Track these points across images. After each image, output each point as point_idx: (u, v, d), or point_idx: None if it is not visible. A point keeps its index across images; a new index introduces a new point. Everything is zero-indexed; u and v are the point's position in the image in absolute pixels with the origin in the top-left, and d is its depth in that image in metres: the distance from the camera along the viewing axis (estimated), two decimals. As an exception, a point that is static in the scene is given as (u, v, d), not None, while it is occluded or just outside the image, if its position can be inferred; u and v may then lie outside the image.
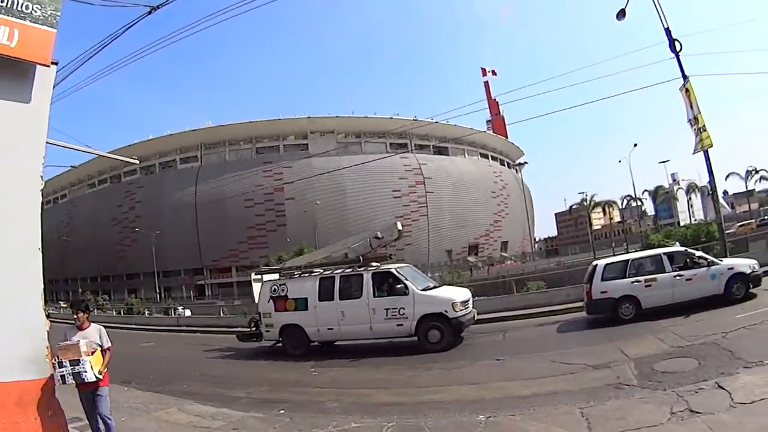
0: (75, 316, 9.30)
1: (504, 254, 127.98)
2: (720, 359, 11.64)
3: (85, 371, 8.56)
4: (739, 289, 18.41)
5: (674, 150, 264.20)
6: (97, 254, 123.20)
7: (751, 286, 18.62)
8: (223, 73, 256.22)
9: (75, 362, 8.54)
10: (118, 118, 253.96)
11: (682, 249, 21.35)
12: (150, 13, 16.81)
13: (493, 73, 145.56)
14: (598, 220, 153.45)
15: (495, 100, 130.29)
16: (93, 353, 8.88)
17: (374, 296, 20.30)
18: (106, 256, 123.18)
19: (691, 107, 25.36)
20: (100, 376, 8.91)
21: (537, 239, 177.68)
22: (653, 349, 13.99)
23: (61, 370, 8.44)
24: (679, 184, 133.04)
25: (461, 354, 18.11)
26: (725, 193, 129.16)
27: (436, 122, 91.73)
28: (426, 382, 14.40)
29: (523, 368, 14.41)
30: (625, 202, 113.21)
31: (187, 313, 54.47)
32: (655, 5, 25.31)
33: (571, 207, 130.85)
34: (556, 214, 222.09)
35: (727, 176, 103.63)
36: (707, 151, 25.09)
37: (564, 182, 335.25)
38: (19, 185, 8.72)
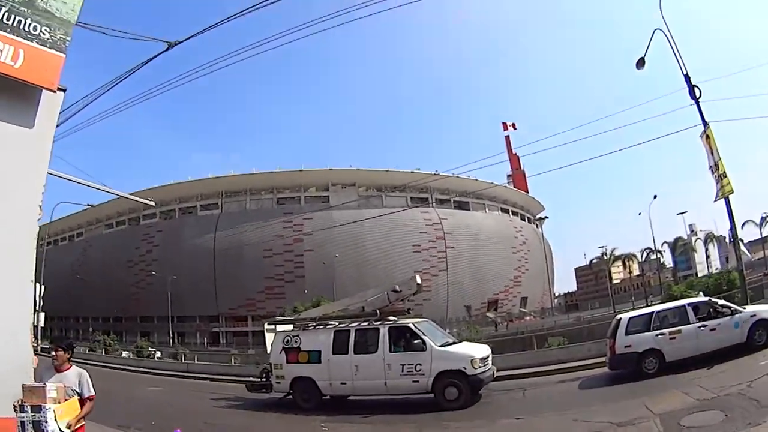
0: (53, 354, 8.16)
1: (523, 310, 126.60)
2: (746, 410, 11.33)
3: (46, 421, 7.24)
4: (761, 335, 18.10)
5: (690, 201, 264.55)
6: (110, 295, 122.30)
7: (774, 333, 18.19)
8: (246, 122, 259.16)
9: (36, 408, 7.27)
10: (141, 162, 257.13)
11: (706, 299, 20.77)
12: (168, 49, 16.51)
13: (514, 127, 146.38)
14: (617, 273, 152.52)
15: (516, 154, 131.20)
16: (66, 401, 7.55)
17: (390, 351, 19.62)
18: (119, 297, 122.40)
19: (712, 154, 24.91)
20: (67, 430, 7.50)
21: (557, 294, 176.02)
22: (679, 403, 13.44)
23: (22, 415, 7.26)
24: (696, 235, 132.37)
25: (479, 413, 17.33)
26: (741, 241, 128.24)
27: (457, 176, 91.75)
28: None
29: (545, 428, 13.78)
30: (645, 254, 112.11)
31: (158, 354, 54.85)
32: (674, 53, 25.14)
33: (591, 261, 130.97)
34: (575, 269, 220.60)
35: (744, 224, 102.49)
36: (728, 198, 24.56)
37: (583, 237, 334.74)
38: (16, 214, 8.26)
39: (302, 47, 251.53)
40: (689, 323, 18.61)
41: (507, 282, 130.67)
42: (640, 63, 25.88)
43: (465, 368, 18.33)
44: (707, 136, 25.04)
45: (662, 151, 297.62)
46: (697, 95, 24.97)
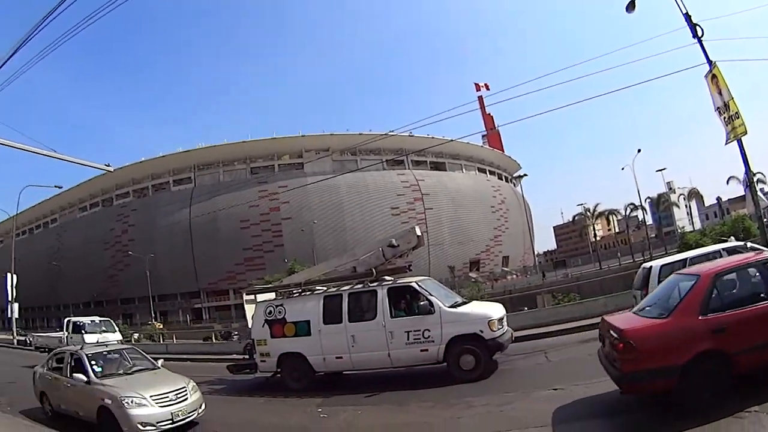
0: None
1: (505, 269, 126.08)
2: None
3: None
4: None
5: (667, 158, 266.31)
6: (89, 279, 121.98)
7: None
8: (217, 94, 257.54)
9: None
10: (112, 143, 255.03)
11: (741, 243, 18.64)
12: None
13: (486, 87, 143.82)
14: (598, 230, 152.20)
15: (489, 114, 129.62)
16: None
17: (391, 316, 17.06)
18: (98, 281, 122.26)
19: (720, 94, 22.98)
20: None
21: (537, 253, 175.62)
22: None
23: None
24: (674, 192, 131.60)
25: (504, 383, 14.81)
26: (719, 198, 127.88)
27: (432, 137, 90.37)
28: (474, 427, 10.91)
29: (597, 399, 11.19)
30: (629, 210, 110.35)
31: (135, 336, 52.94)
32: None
33: (574, 217, 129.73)
34: (554, 227, 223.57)
35: (728, 180, 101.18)
36: (741, 140, 22.64)
37: (558, 195, 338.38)
38: None
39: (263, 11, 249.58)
40: None
41: (488, 242, 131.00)
42: (631, 5, 23.73)
43: (482, 331, 16.00)
44: (713, 76, 23.19)
45: (637, 112, 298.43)
46: (699, 34, 23.01)
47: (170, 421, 13.14)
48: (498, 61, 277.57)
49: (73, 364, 15.44)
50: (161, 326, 65.94)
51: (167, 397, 13.49)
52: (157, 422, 12.92)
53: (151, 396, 13.22)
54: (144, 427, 12.72)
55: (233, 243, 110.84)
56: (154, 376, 15.16)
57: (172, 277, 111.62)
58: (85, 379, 14.32)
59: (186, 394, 14.00)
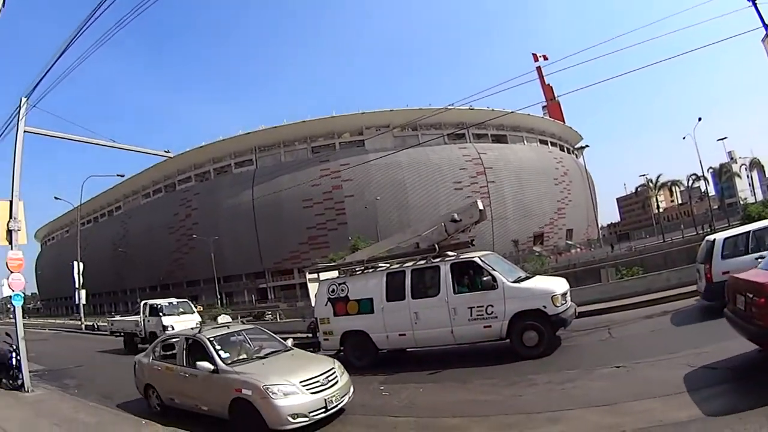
0: None
1: (569, 242, 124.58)
2: None
3: None
4: None
5: (726, 129, 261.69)
6: (155, 263, 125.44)
7: None
8: (275, 75, 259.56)
9: None
10: (172, 127, 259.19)
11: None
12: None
13: (545, 57, 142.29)
14: (661, 202, 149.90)
15: (549, 85, 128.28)
16: None
17: (455, 292, 16.86)
18: (164, 265, 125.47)
19: (778, 59, 22.51)
20: None
21: (601, 226, 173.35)
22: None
23: None
24: (735, 162, 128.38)
25: (566, 360, 14.65)
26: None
27: (492, 110, 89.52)
28: (535, 405, 10.77)
29: (658, 378, 10.83)
30: (691, 181, 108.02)
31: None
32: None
33: (637, 188, 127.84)
34: (617, 199, 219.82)
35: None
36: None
37: (619, 166, 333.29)
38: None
39: None
40: None
41: (551, 215, 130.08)
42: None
43: (545, 307, 15.67)
44: (771, 40, 22.71)
45: (695, 82, 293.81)
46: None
47: (323, 409, 11.62)
48: (554, 32, 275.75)
49: (189, 350, 13.99)
50: (201, 308, 66.88)
51: (317, 381, 11.88)
52: (310, 412, 11.37)
53: (300, 382, 11.60)
54: (295, 419, 11.19)
55: (297, 222, 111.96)
56: (292, 358, 13.65)
57: (236, 258, 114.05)
58: (212, 367, 12.59)
59: (336, 377, 12.46)
